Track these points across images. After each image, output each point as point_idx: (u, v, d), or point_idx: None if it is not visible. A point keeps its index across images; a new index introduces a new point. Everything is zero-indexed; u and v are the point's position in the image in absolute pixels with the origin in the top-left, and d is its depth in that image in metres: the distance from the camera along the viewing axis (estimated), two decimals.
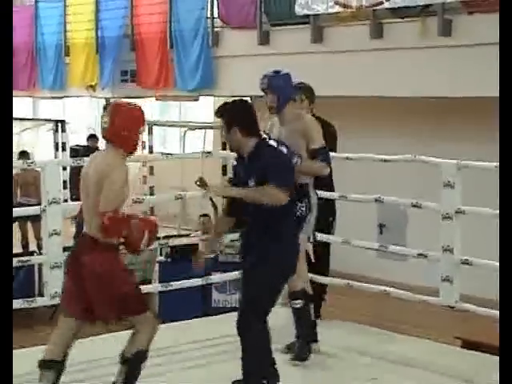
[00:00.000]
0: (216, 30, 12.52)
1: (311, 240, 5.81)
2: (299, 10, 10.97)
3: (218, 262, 9.93)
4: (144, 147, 16.69)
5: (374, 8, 10.22)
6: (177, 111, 17.08)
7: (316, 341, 5.83)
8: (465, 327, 7.66)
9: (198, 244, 10.14)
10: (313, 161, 5.56)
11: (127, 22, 13.72)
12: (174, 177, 13.55)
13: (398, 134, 11.22)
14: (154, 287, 8.39)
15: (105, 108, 4.78)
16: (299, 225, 5.34)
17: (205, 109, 15.85)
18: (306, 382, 4.17)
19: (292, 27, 11.38)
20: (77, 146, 14.83)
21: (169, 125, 16.63)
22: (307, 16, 11.00)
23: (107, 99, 16.44)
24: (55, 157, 16.08)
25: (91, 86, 14.60)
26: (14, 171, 12.71)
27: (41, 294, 7.73)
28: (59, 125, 16.98)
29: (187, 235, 10.27)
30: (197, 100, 14.39)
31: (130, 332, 4.67)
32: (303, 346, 5.58)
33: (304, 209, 5.52)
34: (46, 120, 17.86)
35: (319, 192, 5.89)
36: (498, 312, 4.33)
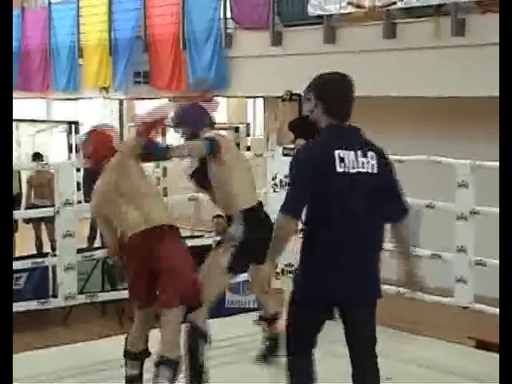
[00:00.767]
0: (229, 30, 12.53)
1: None
2: (312, 11, 10.96)
3: None
4: None
5: (387, 8, 10.20)
6: None
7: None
8: (479, 328, 7.63)
9: (211, 245, 10.12)
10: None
11: (140, 23, 13.74)
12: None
13: (411, 134, 11.18)
14: None
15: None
16: None
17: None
18: (321, 381, 4.18)
19: (305, 28, 11.37)
20: None
21: None
22: (320, 16, 10.98)
23: (120, 100, 16.52)
24: (69, 158, 16.16)
25: (104, 88, 14.63)
26: (28, 173, 12.77)
27: (54, 295, 7.75)
28: (73, 126, 17.08)
29: (201, 236, 10.24)
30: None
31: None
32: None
33: None
34: (59, 122, 17.94)
35: None
36: None
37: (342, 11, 10.66)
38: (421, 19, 10.04)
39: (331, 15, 10.88)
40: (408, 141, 10.69)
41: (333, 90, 4.14)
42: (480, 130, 10.43)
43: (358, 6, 10.46)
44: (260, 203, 5.28)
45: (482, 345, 7.11)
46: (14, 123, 14.34)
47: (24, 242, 12.72)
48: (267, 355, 5.47)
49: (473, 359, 6.06)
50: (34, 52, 15.84)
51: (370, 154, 4.07)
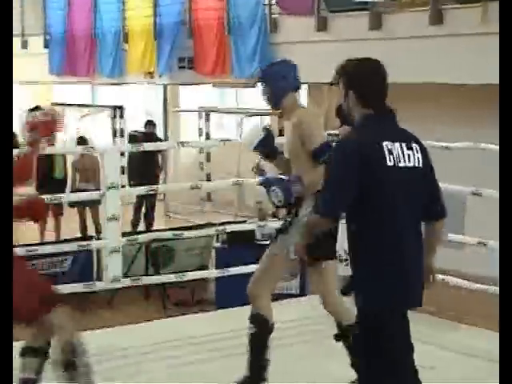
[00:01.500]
0: (273, 16, 12.49)
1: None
2: None
3: None
4: (201, 134, 16.81)
5: None
6: (233, 98, 17.10)
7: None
8: None
9: (254, 230, 10.14)
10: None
11: (185, 8, 13.75)
12: (231, 163, 13.58)
13: (458, 120, 11.07)
14: (211, 273, 8.43)
15: None
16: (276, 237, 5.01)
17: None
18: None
19: (350, 13, 11.30)
20: (135, 131, 14.96)
21: (225, 111, 16.65)
22: (366, 2, 10.91)
23: (165, 86, 16.57)
24: (113, 143, 16.27)
25: (149, 73, 14.69)
26: (73, 157, 12.89)
27: (99, 279, 7.82)
28: (117, 111, 17.18)
29: (244, 221, 10.27)
30: (254, 87, 14.38)
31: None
32: None
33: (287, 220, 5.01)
34: (104, 106, 18.06)
35: None
36: None
37: None
38: (468, 5, 9.91)
39: (377, 1, 10.80)
40: (454, 127, 10.60)
41: (367, 80, 3.82)
42: None
43: None
44: None
45: None
46: (61, 107, 14.43)
47: (69, 226, 12.87)
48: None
49: None
50: (79, 37, 15.93)
51: (414, 146, 3.77)
